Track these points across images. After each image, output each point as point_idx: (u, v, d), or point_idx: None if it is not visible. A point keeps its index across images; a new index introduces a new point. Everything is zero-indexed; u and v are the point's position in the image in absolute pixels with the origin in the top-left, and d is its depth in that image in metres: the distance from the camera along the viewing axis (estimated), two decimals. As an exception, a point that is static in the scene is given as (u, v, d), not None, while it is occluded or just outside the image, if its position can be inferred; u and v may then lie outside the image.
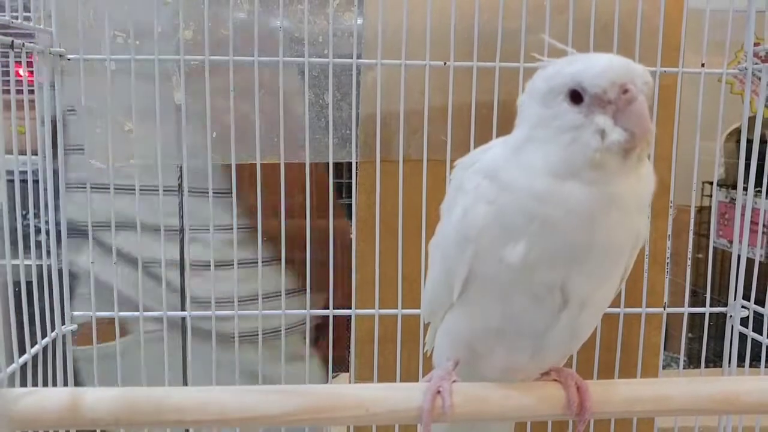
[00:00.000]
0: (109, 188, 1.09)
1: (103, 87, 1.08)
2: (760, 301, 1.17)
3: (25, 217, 1.10)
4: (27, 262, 0.98)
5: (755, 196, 1.19)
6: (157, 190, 1.10)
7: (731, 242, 1.23)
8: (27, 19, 1.01)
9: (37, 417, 0.71)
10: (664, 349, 1.27)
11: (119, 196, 1.11)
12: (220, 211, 1.15)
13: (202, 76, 1.08)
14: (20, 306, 0.92)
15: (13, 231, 0.90)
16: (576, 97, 0.63)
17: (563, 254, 0.65)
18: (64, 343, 1.10)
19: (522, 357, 0.74)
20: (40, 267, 1.03)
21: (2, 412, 0.69)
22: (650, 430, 1.24)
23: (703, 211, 1.86)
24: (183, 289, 1.25)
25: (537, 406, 0.73)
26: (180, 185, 1.30)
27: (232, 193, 1.18)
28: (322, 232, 1.11)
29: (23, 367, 0.96)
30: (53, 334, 1.07)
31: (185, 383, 1.21)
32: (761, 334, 1.14)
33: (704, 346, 1.19)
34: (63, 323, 1.10)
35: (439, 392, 0.71)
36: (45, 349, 1.03)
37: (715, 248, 1.22)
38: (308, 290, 1.14)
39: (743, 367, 1.21)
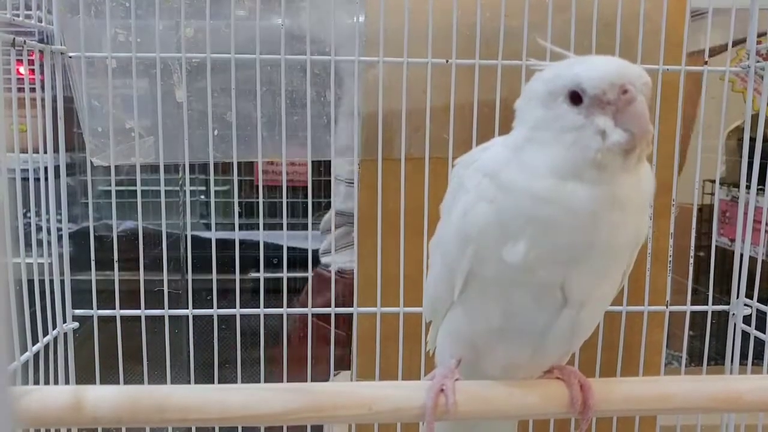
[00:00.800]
0: None
1: (104, 84, 1.08)
2: (762, 300, 1.17)
3: (25, 215, 1.10)
4: (28, 260, 0.98)
5: (757, 194, 1.19)
6: None
7: (733, 241, 1.23)
8: (28, 17, 1.00)
9: (40, 415, 0.71)
10: (666, 347, 1.27)
11: None
12: None
13: (204, 74, 1.08)
14: (22, 304, 0.92)
15: (15, 229, 0.90)
16: (576, 98, 0.63)
17: (564, 254, 0.65)
18: (65, 341, 1.10)
19: (523, 355, 0.74)
20: (41, 264, 1.03)
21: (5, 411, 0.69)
22: (652, 429, 1.24)
23: (704, 210, 1.86)
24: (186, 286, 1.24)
25: (540, 404, 0.73)
26: (183, 182, 1.30)
27: None
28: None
29: (25, 364, 0.96)
30: (55, 332, 1.07)
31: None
32: (764, 332, 1.14)
33: (706, 344, 1.19)
34: (64, 321, 1.10)
35: (442, 390, 0.71)
36: (47, 347, 1.03)
37: (716, 247, 1.22)
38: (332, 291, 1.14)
39: (745, 365, 1.21)
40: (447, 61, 1.09)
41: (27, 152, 1.04)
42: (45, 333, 1.04)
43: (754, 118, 1.19)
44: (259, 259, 1.14)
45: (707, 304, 1.20)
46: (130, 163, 1.17)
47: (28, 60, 0.97)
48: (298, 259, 1.32)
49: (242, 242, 1.16)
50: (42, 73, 1.05)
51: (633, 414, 1.08)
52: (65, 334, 1.10)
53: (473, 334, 0.75)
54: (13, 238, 0.95)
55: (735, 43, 1.18)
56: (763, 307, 1.15)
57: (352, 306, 1.17)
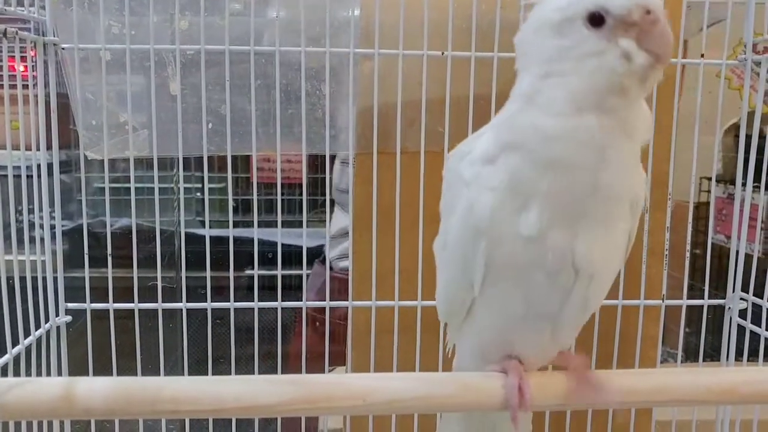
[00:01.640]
0: None
1: (98, 77, 1.08)
2: (757, 295, 1.17)
3: (20, 212, 1.09)
4: (21, 257, 0.98)
5: (753, 191, 1.19)
6: None
7: (729, 238, 1.23)
8: (20, 7, 1.00)
9: (30, 407, 0.70)
10: (662, 344, 1.26)
11: None
12: None
13: (198, 66, 1.07)
14: (14, 299, 0.91)
15: (8, 226, 0.89)
16: (597, 20, 0.61)
17: (574, 203, 0.64)
18: (58, 335, 1.10)
19: (544, 338, 0.73)
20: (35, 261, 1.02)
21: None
22: (648, 424, 1.23)
23: (700, 207, 1.85)
24: (179, 280, 1.24)
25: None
26: (177, 178, 1.29)
27: None
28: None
29: (16, 358, 0.95)
30: (47, 325, 1.06)
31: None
32: (759, 327, 1.14)
33: (702, 339, 1.19)
34: (57, 315, 1.09)
35: (520, 387, 0.70)
36: (39, 341, 1.03)
37: (712, 244, 1.22)
38: (304, 283, 1.14)
39: (741, 360, 1.20)
40: (443, 54, 1.08)
41: (19, 149, 1.04)
42: (38, 327, 1.03)
43: (750, 114, 1.19)
44: (253, 256, 1.14)
45: (703, 299, 1.20)
46: (124, 156, 1.16)
47: (21, 55, 0.96)
48: (293, 256, 1.32)
49: (237, 239, 1.16)
50: (35, 68, 1.05)
51: (629, 406, 1.08)
52: (58, 328, 1.09)
53: (502, 327, 0.74)
54: (7, 235, 0.94)
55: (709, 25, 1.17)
56: (758, 301, 1.15)
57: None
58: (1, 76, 0.92)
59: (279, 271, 1.18)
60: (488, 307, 0.73)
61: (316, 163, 1.87)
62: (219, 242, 1.49)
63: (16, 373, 0.95)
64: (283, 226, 1.14)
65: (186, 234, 1.16)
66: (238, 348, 1.15)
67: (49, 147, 1.06)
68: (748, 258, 1.17)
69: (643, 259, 1.15)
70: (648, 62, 0.61)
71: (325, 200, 1.47)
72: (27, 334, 0.99)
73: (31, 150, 1.02)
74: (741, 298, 1.19)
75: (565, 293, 0.68)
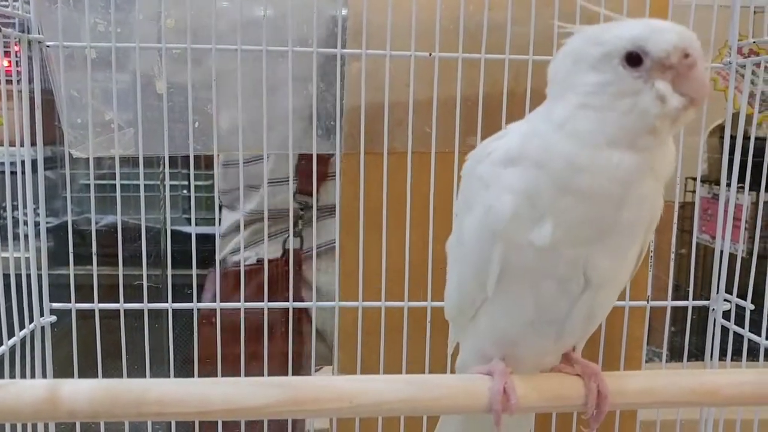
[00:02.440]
0: None
1: (84, 75, 1.07)
2: (741, 296, 1.18)
3: (2, 207, 1.08)
4: (4, 254, 0.97)
5: (738, 192, 1.20)
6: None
7: (714, 237, 1.23)
8: (4, 4, 0.99)
9: (14, 410, 0.70)
10: (646, 344, 1.27)
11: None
12: None
13: (185, 65, 1.06)
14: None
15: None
16: (635, 60, 0.61)
17: (589, 230, 0.65)
18: (42, 335, 1.09)
19: (548, 344, 0.74)
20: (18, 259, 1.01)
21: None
22: (633, 423, 1.24)
23: (685, 207, 1.87)
24: (165, 279, 1.23)
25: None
26: (163, 176, 1.29)
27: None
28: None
29: (0, 359, 0.94)
30: (32, 325, 1.05)
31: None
32: (743, 328, 1.15)
33: (687, 340, 1.20)
34: (42, 315, 1.08)
35: (504, 390, 0.71)
36: (23, 341, 1.02)
37: (697, 244, 1.22)
38: (291, 281, 1.14)
39: (725, 360, 1.21)
40: (430, 54, 1.08)
41: (3, 145, 1.02)
42: (22, 327, 1.02)
43: (736, 116, 1.20)
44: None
45: (688, 300, 1.21)
46: (110, 155, 1.15)
47: (5, 51, 0.95)
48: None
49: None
50: (19, 64, 1.04)
51: (614, 408, 1.08)
52: (42, 328, 1.08)
53: (508, 329, 0.74)
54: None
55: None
56: (742, 303, 1.16)
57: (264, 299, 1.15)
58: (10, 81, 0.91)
59: (265, 267, 1.17)
60: (498, 308, 0.74)
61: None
62: (205, 240, 1.48)
63: (0, 374, 0.94)
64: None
65: (172, 232, 1.15)
66: (225, 347, 1.15)
67: (33, 143, 1.05)
68: (733, 258, 1.18)
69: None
70: (682, 105, 0.62)
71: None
72: (11, 334, 0.98)
73: (15, 146, 1.01)
74: (725, 300, 1.19)
75: (573, 301, 0.70)
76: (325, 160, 1.33)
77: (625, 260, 0.70)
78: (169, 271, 1.11)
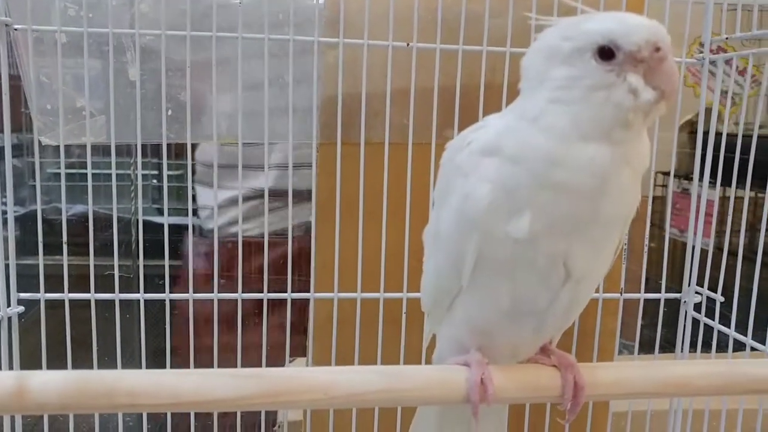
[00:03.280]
0: None
1: (54, 61, 1.04)
2: (710, 289, 1.19)
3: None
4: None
5: (709, 187, 1.22)
6: None
7: (683, 231, 1.25)
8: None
9: (-21, 401, 0.68)
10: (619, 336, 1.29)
11: None
12: None
13: (158, 51, 1.04)
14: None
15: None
16: (607, 54, 0.62)
17: (568, 223, 0.65)
18: (9, 326, 1.06)
19: (526, 335, 0.74)
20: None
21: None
22: (605, 415, 1.26)
23: (655, 201, 1.89)
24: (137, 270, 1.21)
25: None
26: (134, 165, 1.26)
27: None
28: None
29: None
30: (-2, 316, 1.03)
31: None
32: (713, 320, 1.17)
33: (659, 331, 1.21)
34: (9, 305, 1.06)
35: (482, 381, 0.70)
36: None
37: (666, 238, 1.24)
38: (265, 273, 1.12)
39: (695, 352, 1.23)
40: (408, 45, 1.08)
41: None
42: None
43: (707, 112, 1.21)
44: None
45: (660, 292, 1.22)
46: (81, 142, 1.13)
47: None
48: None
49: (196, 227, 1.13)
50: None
51: (589, 399, 1.09)
52: (9, 319, 1.06)
53: (485, 319, 0.74)
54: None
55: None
56: (713, 295, 1.18)
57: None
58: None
59: (239, 258, 1.16)
60: (474, 299, 0.74)
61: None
62: (177, 230, 1.46)
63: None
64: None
65: (143, 222, 1.13)
66: (197, 338, 1.13)
67: (0, 131, 1.03)
68: (703, 253, 1.20)
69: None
70: (654, 98, 0.62)
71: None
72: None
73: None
74: (696, 292, 1.21)
75: (554, 294, 0.69)
76: None
77: (605, 253, 0.71)
78: (141, 261, 1.09)
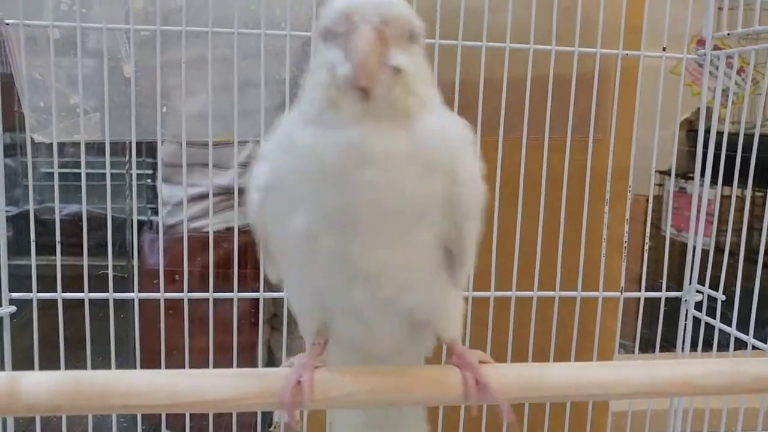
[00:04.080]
0: None
1: (47, 56, 1.03)
2: (712, 289, 1.19)
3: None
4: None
5: (710, 186, 1.21)
6: None
7: (679, 230, 1.24)
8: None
9: (-31, 403, 0.67)
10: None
11: None
12: None
13: (153, 48, 1.03)
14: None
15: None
16: (326, 35, 0.60)
17: (336, 218, 0.60)
18: (1, 326, 1.05)
19: (359, 336, 0.69)
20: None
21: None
22: (605, 414, 1.25)
23: (653, 200, 1.89)
24: (131, 270, 1.20)
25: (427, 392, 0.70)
26: (129, 163, 1.25)
27: None
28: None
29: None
30: (-10, 315, 1.01)
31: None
32: (714, 319, 1.16)
33: (659, 330, 1.20)
34: (0, 305, 1.04)
35: (299, 383, 0.66)
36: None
37: (663, 236, 1.23)
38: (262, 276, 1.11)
39: (695, 351, 1.22)
40: (406, 41, 1.06)
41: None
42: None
43: (706, 110, 1.20)
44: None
45: (661, 291, 1.21)
46: (74, 140, 1.11)
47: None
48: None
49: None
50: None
51: (588, 399, 1.08)
52: (1, 319, 1.04)
53: (312, 316, 0.71)
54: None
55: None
56: (715, 294, 1.17)
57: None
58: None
59: (235, 257, 1.15)
60: (292, 295, 0.72)
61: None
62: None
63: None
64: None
65: (138, 222, 1.12)
66: (192, 339, 1.12)
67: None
68: (704, 252, 1.19)
69: (603, 252, 1.16)
70: (349, 72, 0.57)
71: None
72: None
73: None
74: (697, 291, 1.20)
75: (353, 289, 0.64)
76: None
77: (405, 250, 0.63)
78: (135, 261, 1.07)
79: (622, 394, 0.82)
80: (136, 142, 1.05)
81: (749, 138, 1.09)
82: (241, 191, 1.19)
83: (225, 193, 1.25)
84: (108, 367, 1.10)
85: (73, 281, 1.10)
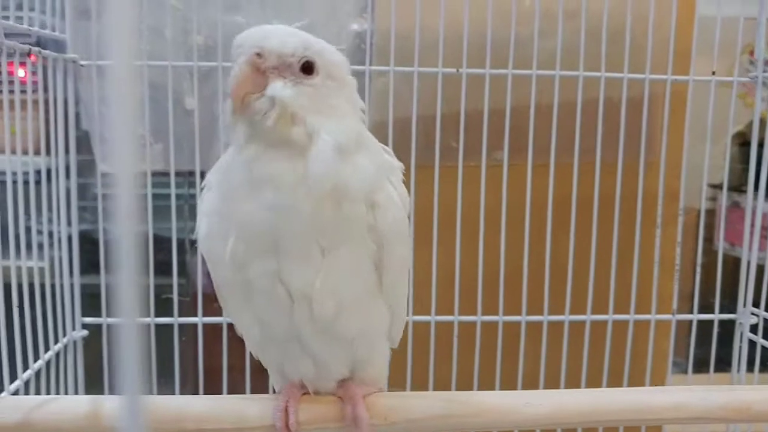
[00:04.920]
0: None
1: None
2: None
3: (31, 220, 1.09)
4: (38, 263, 0.97)
5: (760, 199, 1.19)
6: None
7: (733, 244, 1.22)
8: (42, 25, 1.00)
9: (56, 425, 0.71)
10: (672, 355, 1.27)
11: None
12: None
13: (213, 81, 1.08)
14: (34, 311, 0.92)
15: (20, 235, 0.89)
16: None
17: (260, 239, 0.63)
18: (75, 349, 1.10)
19: (304, 364, 0.71)
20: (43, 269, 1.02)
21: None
22: (659, 437, 1.24)
23: (705, 215, 1.85)
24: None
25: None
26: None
27: None
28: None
29: (36, 373, 0.95)
30: (65, 339, 1.06)
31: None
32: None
33: (713, 353, 1.19)
34: (74, 329, 1.10)
35: (287, 409, 0.71)
36: (57, 355, 1.03)
37: (717, 251, 1.22)
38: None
39: (752, 372, 1.21)
40: (458, 71, 1.09)
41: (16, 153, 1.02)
42: (56, 341, 1.03)
43: (759, 126, 1.19)
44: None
45: (714, 313, 1.20)
46: (140, 170, 1.16)
47: (20, 62, 0.95)
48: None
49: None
50: (35, 74, 1.05)
51: (642, 423, 1.08)
52: (75, 342, 1.10)
53: (256, 345, 0.74)
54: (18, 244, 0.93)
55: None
56: (770, 316, 1.15)
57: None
58: (24, 92, 0.92)
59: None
60: (239, 325, 0.74)
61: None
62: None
63: (36, 389, 0.95)
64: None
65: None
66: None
67: (66, 151, 1.07)
68: (759, 268, 1.17)
69: (655, 275, 1.16)
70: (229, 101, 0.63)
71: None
72: (46, 348, 0.99)
73: (49, 155, 1.03)
74: (752, 313, 1.18)
75: (287, 315, 0.66)
76: None
77: (342, 273, 0.65)
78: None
79: (678, 419, 0.82)
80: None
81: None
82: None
83: None
84: (170, 389, 1.14)
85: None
